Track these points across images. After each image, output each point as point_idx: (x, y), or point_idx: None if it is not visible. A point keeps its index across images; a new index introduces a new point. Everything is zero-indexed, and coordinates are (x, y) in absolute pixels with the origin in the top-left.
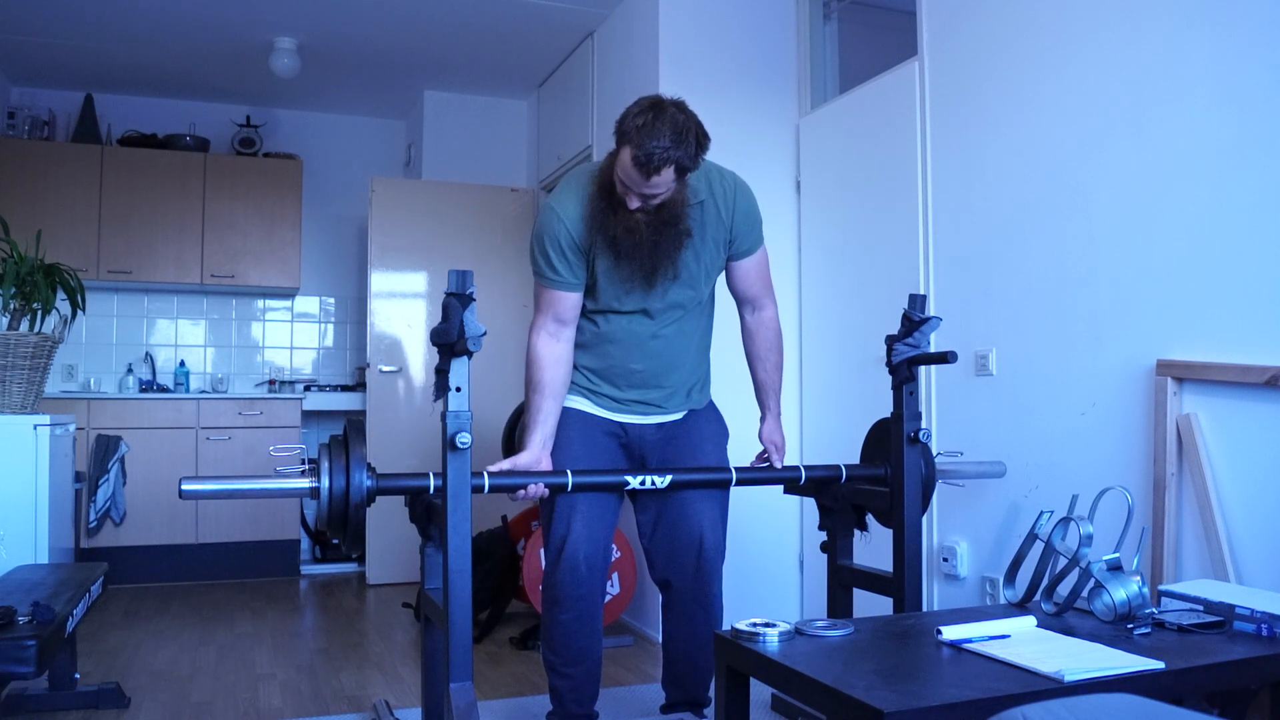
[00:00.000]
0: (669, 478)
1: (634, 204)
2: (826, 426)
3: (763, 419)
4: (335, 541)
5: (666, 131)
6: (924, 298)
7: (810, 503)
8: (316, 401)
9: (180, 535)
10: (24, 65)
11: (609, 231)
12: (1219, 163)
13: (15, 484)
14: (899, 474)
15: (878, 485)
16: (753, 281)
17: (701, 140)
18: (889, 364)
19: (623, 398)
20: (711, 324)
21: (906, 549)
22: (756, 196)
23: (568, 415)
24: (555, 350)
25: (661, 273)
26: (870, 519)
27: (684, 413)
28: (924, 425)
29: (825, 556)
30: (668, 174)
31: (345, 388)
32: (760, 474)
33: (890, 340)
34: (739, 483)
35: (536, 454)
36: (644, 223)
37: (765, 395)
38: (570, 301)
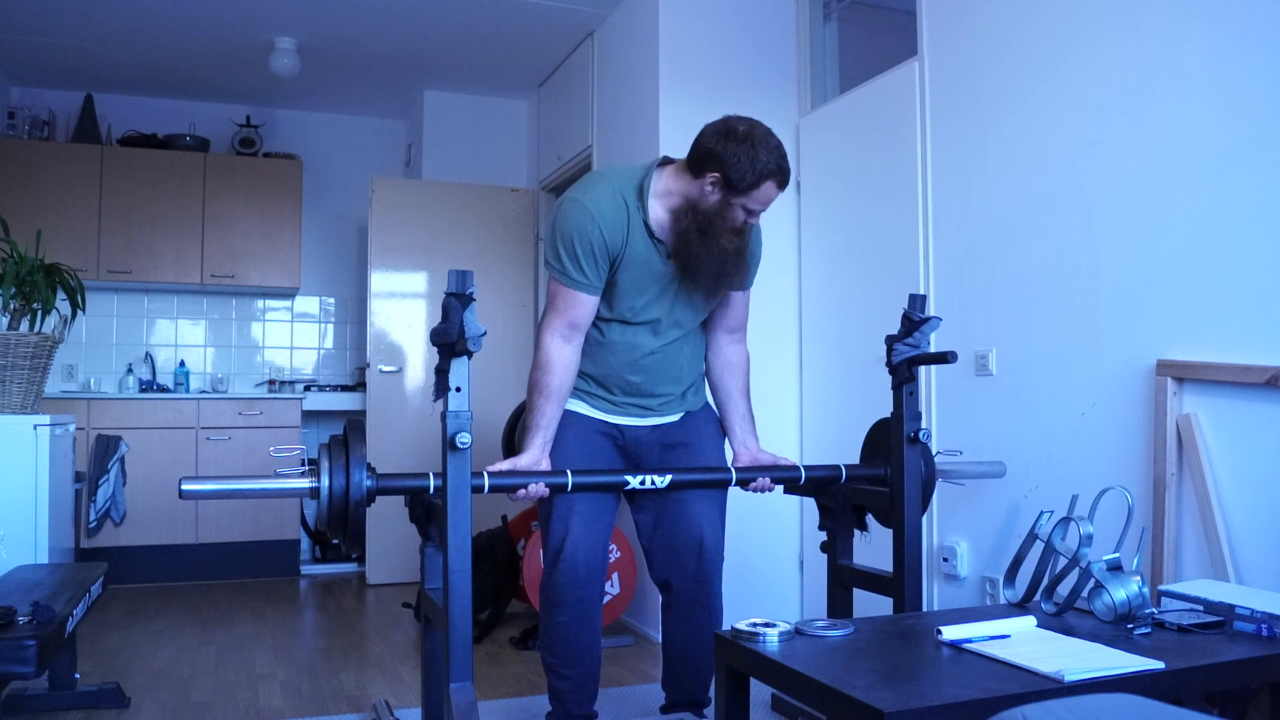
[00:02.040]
0: (669, 477)
1: (756, 219)
2: (826, 426)
3: (747, 445)
4: (335, 541)
5: (776, 144)
6: (924, 298)
7: (810, 503)
8: (316, 401)
9: (180, 535)
10: (24, 65)
11: (707, 260)
12: (1219, 163)
13: (15, 484)
14: (899, 474)
15: (878, 485)
16: (742, 313)
17: None
18: (889, 364)
19: (618, 400)
20: (704, 341)
21: (906, 549)
22: None
23: (564, 416)
24: (566, 355)
25: (728, 285)
26: (870, 519)
27: (680, 415)
28: (924, 425)
29: (825, 556)
30: None
31: (345, 388)
32: (760, 474)
33: (890, 340)
34: (739, 483)
35: (537, 456)
36: (744, 239)
37: (749, 424)
38: (588, 305)
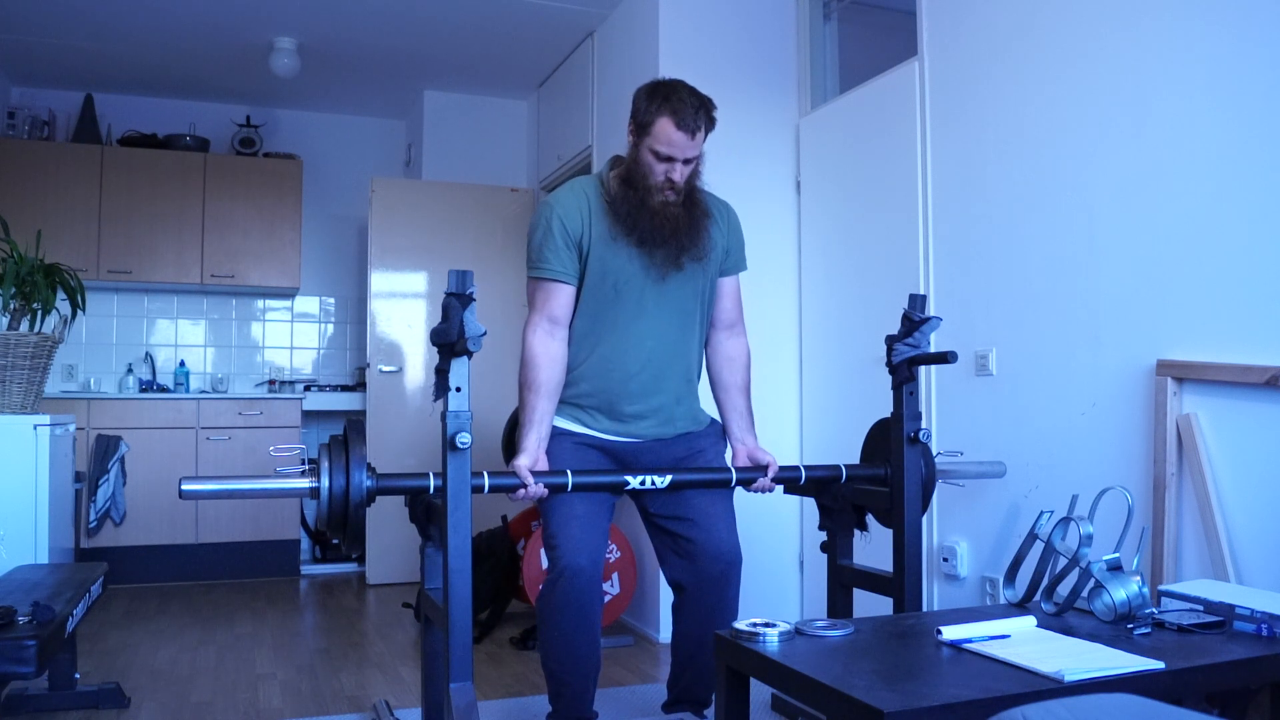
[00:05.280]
0: (669, 478)
1: (676, 174)
2: (826, 426)
3: (745, 442)
4: (335, 541)
5: (689, 96)
6: (924, 298)
7: (810, 503)
8: (316, 401)
9: (180, 535)
10: (24, 65)
11: (641, 222)
12: (1219, 163)
13: (15, 484)
14: (899, 474)
15: (878, 485)
16: (734, 302)
17: (712, 103)
18: (889, 364)
19: (621, 414)
20: (703, 348)
21: (906, 549)
22: (756, 197)
23: (560, 434)
24: (551, 349)
25: (690, 251)
26: (870, 519)
27: (678, 432)
28: (924, 425)
29: (825, 556)
30: (702, 134)
31: (345, 388)
32: (760, 474)
33: (890, 340)
34: (739, 483)
35: (534, 455)
36: (675, 204)
37: (747, 422)
38: (564, 296)
